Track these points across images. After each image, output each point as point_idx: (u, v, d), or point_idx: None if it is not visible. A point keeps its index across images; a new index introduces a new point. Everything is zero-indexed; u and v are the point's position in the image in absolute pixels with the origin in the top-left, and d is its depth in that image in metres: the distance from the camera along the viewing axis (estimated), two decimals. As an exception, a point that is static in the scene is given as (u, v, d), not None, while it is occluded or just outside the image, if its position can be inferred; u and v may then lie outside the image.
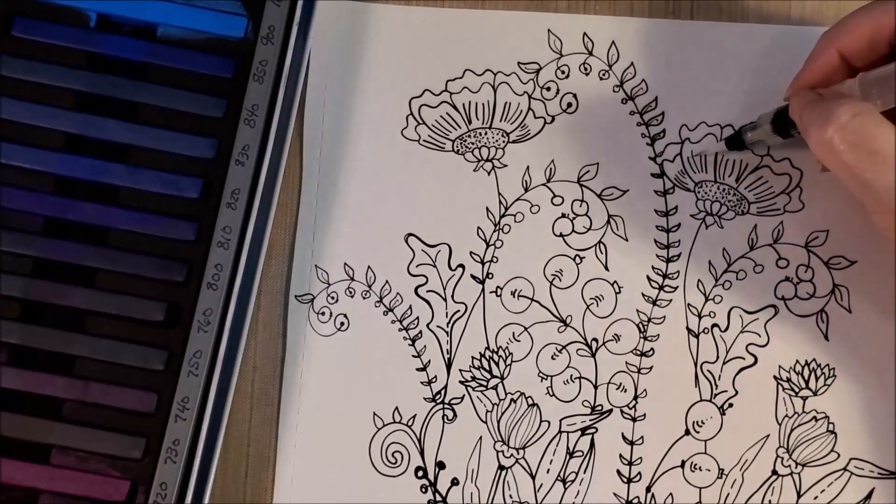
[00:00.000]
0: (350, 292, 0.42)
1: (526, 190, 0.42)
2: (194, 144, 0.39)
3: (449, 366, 0.41)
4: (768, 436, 0.41)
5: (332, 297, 0.42)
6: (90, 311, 0.38)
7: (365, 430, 0.41)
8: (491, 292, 0.42)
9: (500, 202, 0.42)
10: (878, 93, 0.34)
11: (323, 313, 0.42)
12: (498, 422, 0.41)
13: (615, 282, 0.42)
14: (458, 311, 0.42)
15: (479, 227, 0.42)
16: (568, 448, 0.41)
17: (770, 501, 0.40)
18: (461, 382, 0.41)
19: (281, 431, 0.41)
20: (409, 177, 0.42)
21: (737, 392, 0.41)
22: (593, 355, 0.41)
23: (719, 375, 0.41)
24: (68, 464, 0.37)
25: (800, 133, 0.37)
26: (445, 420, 0.41)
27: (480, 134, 0.43)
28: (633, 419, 0.41)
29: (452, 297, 0.42)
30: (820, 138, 0.33)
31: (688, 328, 0.41)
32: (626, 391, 0.41)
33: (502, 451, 0.41)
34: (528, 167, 0.42)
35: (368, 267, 0.42)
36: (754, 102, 0.42)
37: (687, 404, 0.41)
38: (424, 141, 0.43)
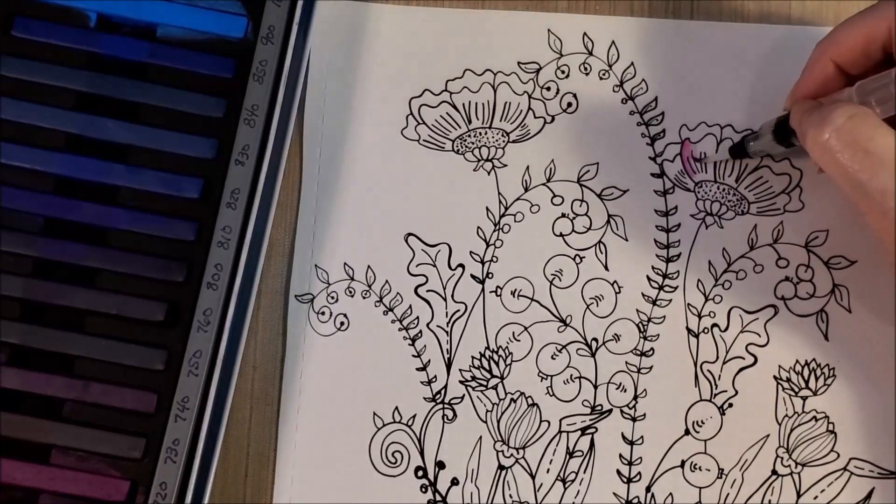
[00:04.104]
0: (350, 292, 0.42)
1: (526, 190, 0.42)
2: (194, 144, 0.39)
3: (449, 365, 0.41)
4: (768, 436, 0.41)
5: (332, 297, 0.42)
6: (90, 311, 0.38)
7: (365, 430, 0.41)
8: (491, 292, 0.42)
9: (500, 202, 0.42)
10: (877, 100, 0.34)
11: (323, 313, 0.42)
12: (498, 422, 0.41)
13: (615, 282, 0.42)
14: (458, 310, 0.42)
15: (479, 227, 0.42)
16: (568, 448, 0.41)
17: (770, 501, 0.40)
18: (461, 382, 0.41)
19: (281, 431, 0.41)
20: (409, 177, 0.42)
21: (737, 392, 0.41)
22: (593, 355, 0.41)
23: (719, 375, 0.41)
24: (68, 464, 0.37)
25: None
26: (445, 420, 0.41)
27: (480, 134, 0.43)
28: (633, 419, 0.41)
29: (452, 296, 0.42)
30: (816, 140, 0.34)
31: (688, 328, 0.41)
32: (625, 391, 0.41)
33: (502, 451, 0.41)
34: (528, 167, 0.42)
35: (368, 267, 0.42)
36: (754, 102, 0.42)
37: (687, 404, 0.41)
38: (424, 141, 0.43)
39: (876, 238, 0.35)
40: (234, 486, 0.41)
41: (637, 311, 0.42)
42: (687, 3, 0.43)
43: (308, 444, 0.41)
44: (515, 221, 0.42)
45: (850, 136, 0.33)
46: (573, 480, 0.41)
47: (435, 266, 0.42)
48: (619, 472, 0.41)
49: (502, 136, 0.43)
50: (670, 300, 0.42)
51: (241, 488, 0.41)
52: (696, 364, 0.41)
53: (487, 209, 0.42)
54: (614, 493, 0.41)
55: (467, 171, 0.42)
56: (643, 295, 0.42)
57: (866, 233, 0.41)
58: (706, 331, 0.41)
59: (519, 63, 0.43)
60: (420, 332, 0.42)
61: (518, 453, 0.41)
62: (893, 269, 0.37)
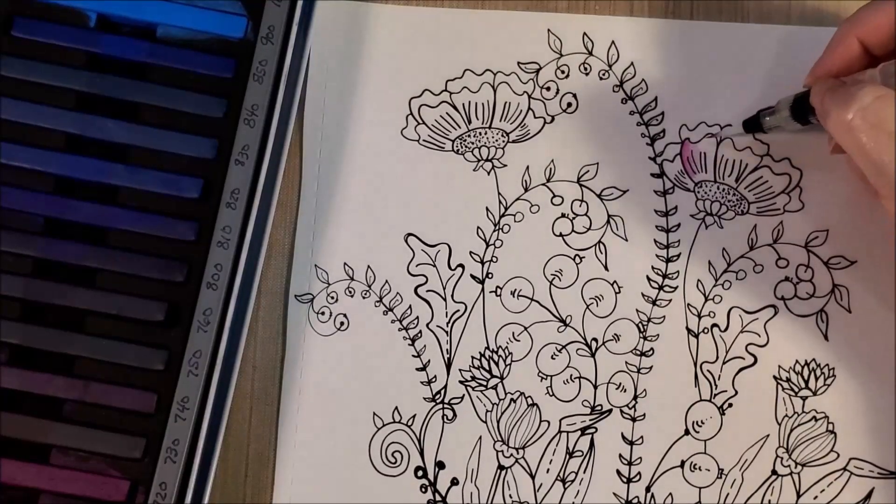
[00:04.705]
0: (350, 292, 0.42)
1: (526, 190, 0.42)
2: (194, 144, 0.39)
3: (449, 366, 0.41)
4: (768, 436, 0.41)
5: (332, 297, 0.42)
6: (90, 311, 0.38)
7: (365, 430, 0.41)
8: (491, 292, 0.42)
9: (500, 202, 0.42)
10: None
11: (323, 313, 0.42)
12: (498, 422, 0.41)
13: (615, 282, 0.42)
14: (458, 310, 0.42)
15: (478, 227, 0.42)
16: (568, 448, 0.41)
17: (770, 501, 0.40)
18: (461, 382, 0.41)
19: (281, 431, 0.41)
20: (409, 177, 0.42)
21: (736, 392, 0.41)
22: (593, 355, 0.41)
23: (719, 375, 0.41)
24: (68, 464, 0.37)
25: (817, 121, 0.37)
26: (445, 420, 0.41)
27: (480, 134, 0.43)
28: (633, 419, 0.41)
29: (452, 296, 0.42)
30: (840, 120, 0.33)
31: (687, 328, 0.41)
32: (625, 391, 0.41)
33: (502, 451, 0.41)
34: (527, 167, 0.42)
35: (368, 267, 0.42)
36: (755, 102, 0.42)
37: (687, 404, 0.41)
38: (424, 141, 0.43)
39: (890, 221, 0.34)
40: (234, 486, 0.41)
41: (637, 311, 0.42)
42: (687, 3, 0.43)
43: (308, 444, 0.41)
44: (515, 221, 0.42)
45: (875, 118, 0.33)
46: (573, 480, 0.41)
47: (435, 266, 0.42)
48: (618, 472, 0.41)
49: (502, 136, 0.43)
50: (670, 300, 0.42)
51: (241, 488, 0.41)
52: (696, 364, 0.41)
53: (487, 209, 0.42)
54: (614, 493, 0.41)
55: (467, 171, 0.42)
56: (643, 295, 0.42)
57: (866, 233, 0.41)
58: (706, 331, 0.41)
59: (519, 63, 0.43)
60: (420, 332, 0.42)
61: (518, 453, 0.41)
62: (895, 269, 0.37)
